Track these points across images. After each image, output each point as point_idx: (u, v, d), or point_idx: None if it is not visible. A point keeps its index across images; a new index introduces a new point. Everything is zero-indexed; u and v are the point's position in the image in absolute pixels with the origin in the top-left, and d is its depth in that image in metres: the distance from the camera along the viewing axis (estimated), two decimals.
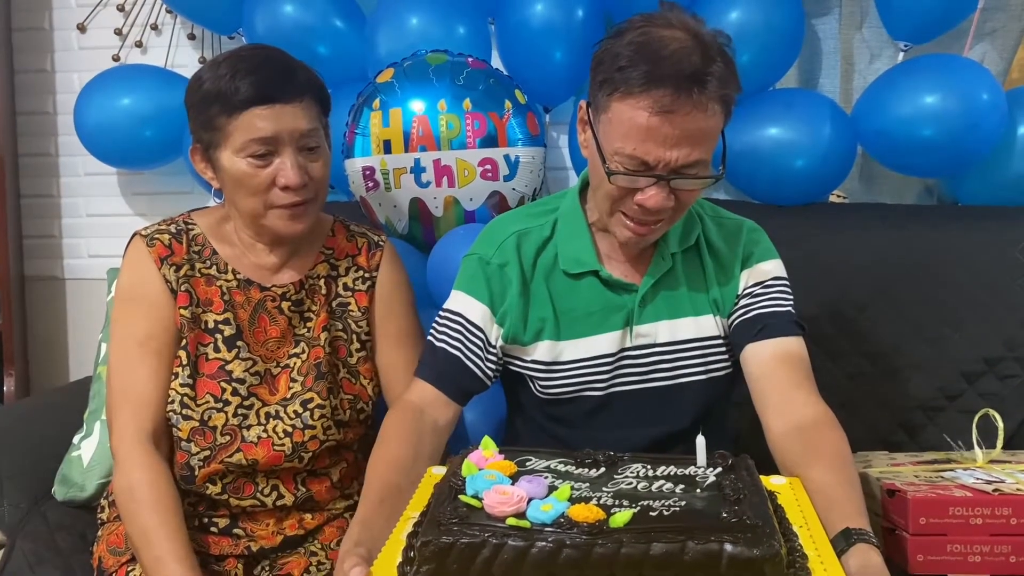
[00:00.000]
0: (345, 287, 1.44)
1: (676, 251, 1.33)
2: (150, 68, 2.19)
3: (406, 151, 1.80)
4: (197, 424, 1.33)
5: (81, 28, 2.33)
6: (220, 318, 1.36)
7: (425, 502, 1.00)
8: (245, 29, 2.08)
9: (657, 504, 0.91)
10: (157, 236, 1.37)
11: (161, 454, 1.32)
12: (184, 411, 1.33)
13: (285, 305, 1.39)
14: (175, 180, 2.29)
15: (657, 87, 1.11)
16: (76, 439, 1.72)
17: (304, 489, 1.39)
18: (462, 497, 0.92)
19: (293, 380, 1.38)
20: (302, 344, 1.40)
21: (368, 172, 1.83)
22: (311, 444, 1.36)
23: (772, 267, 1.36)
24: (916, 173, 2.03)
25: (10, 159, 2.34)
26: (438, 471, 1.11)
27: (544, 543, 0.85)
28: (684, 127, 1.13)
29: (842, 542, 1.00)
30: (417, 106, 1.79)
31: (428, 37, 1.91)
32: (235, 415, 1.35)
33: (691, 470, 1.01)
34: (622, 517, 0.87)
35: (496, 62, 2.02)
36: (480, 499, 0.91)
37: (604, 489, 0.96)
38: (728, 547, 0.83)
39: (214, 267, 1.38)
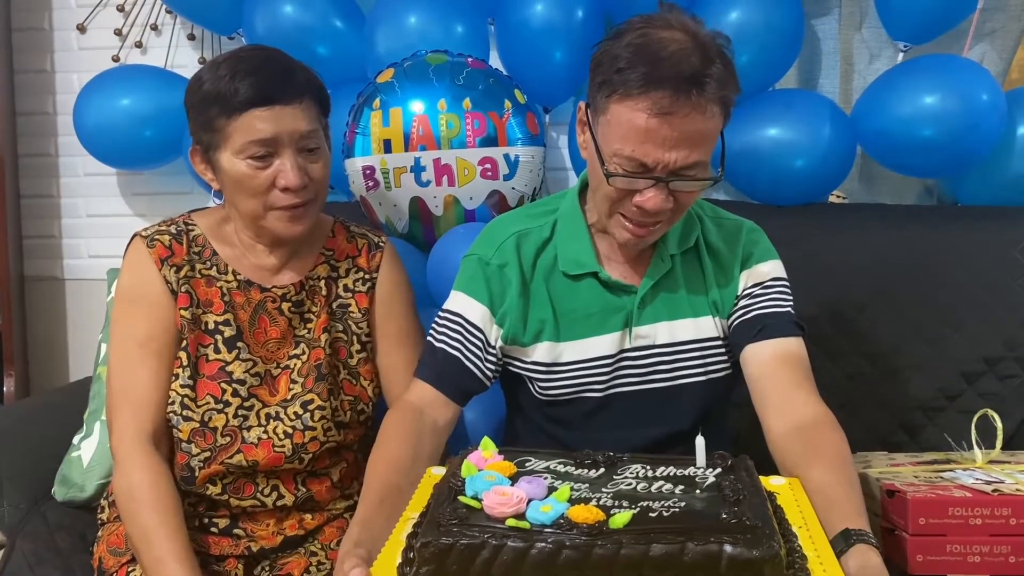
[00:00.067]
0: (345, 288, 1.44)
1: (675, 252, 1.33)
2: (149, 68, 2.19)
3: (406, 150, 1.80)
4: (197, 425, 1.33)
5: (81, 28, 2.33)
6: (220, 319, 1.37)
7: (425, 503, 1.00)
8: (245, 29, 2.08)
9: (657, 505, 0.92)
10: (157, 237, 1.37)
11: (161, 455, 1.32)
12: (184, 412, 1.33)
13: (285, 306, 1.40)
14: (175, 180, 2.29)
15: (656, 89, 1.11)
16: (76, 439, 1.72)
17: (304, 489, 1.39)
18: (462, 498, 0.92)
19: (293, 381, 1.38)
20: (302, 345, 1.40)
21: (368, 171, 1.84)
22: (311, 445, 1.36)
23: (771, 268, 1.36)
24: (916, 173, 2.03)
25: (10, 159, 2.34)
26: (438, 471, 1.11)
27: (544, 544, 0.85)
28: (683, 129, 1.13)
29: (841, 543, 1.00)
30: (417, 106, 1.79)
31: (427, 37, 1.91)
32: (235, 416, 1.35)
33: (690, 471, 1.02)
34: (622, 518, 0.87)
35: (495, 62, 2.02)
36: (480, 500, 0.91)
37: (604, 490, 0.96)
38: (727, 548, 0.84)
39: (214, 268, 1.38)
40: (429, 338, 1.36)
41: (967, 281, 1.84)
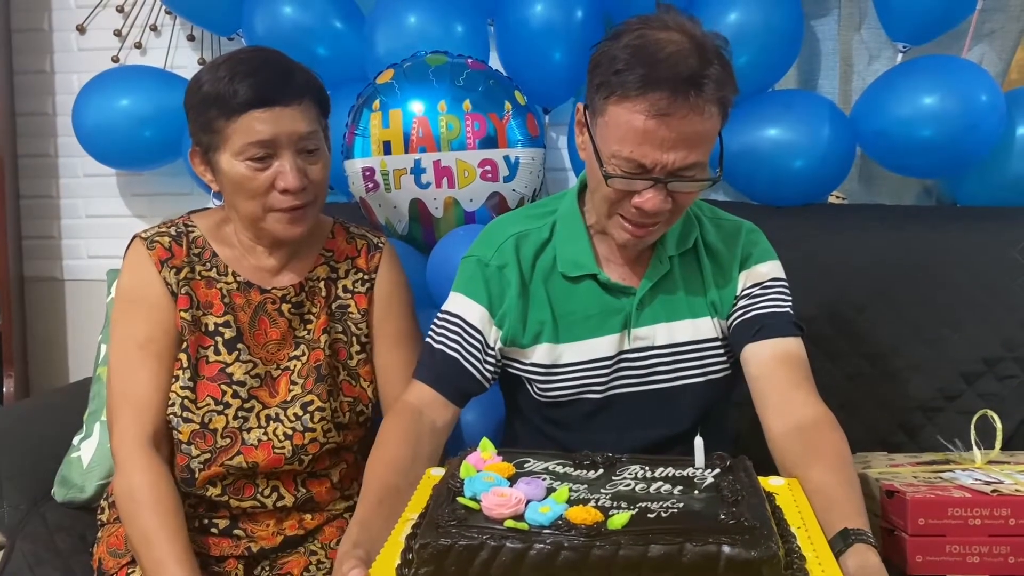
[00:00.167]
0: (345, 289, 1.44)
1: (674, 254, 1.33)
2: (148, 69, 2.19)
3: (406, 152, 1.80)
4: (197, 427, 1.33)
5: (80, 29, 2.33)
6: (220, 320, 1.37)
7: (424, 504, 1.00)
8: (244, 30, 2.08)
9: (655, 506, 0.92)
10: (157, 239, 1.37)
11: (162, 457, 1.32)
12: (184, 414, 1.33)
13: (285, 307, 1.40)
14: (175, 181, 2.29)
15: (654, 90, 1.11)
16: (76, 440, 1.72)
17: (304, 490, 1.39)
18: (460, 499, 0.92)
19: (293, 383, 1.38)
20: (302, 346, 1.40)
21: (368, 173, 1.84)
22: (311, 447, 1.37)
23: (770, 268, 1.36)
24: (915, 174, 2.03)
25: (9, 160, 2.34)
26: (437, 473, 1.11)
27: (542, 545, 0.85)
28: (681, 130, 1.13)
29: (840, 542, 1.01)
30: (417, 107, 1.79)
31: (427, 37, 1.91)
32: (235, 418, 1.35)
33: (689, 471, 1.02)
34: (620, 519, 0.87)
35: (495, 63, 2.02)
36: (478, 501, 0.91)
37: (602, 491, 0.96)
38: (726, 548, 0.84)
39: (214, 269, 1.38)
40: (428, 339, 1.36)
41: (966, 282, 1.84)
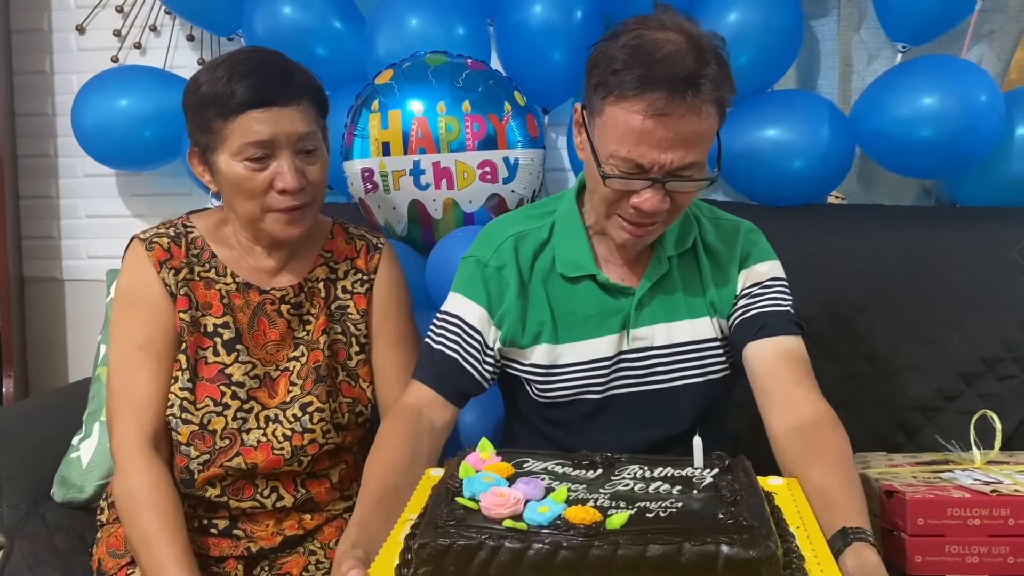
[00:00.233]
0: (344, 290, 1.44)
1: (673, 254, 1.33)
2: (147, 69, 2.19)
3: (405, 153, 1.80)
4: (197, 428, 1.33)
5: (80, 29, 2.34)
6: (219, 321, 1.36)
7: (423, 504, 1.00)
8: (244, 30, 2.08)
9: (654, 505, 0.92)
10: (156, 240, 1.37)
11: (161, 458, 1.32)
12: (184, 415, 1.33)
13: (284, 308, 1.39)
14: (174, 181, 2.30)
15: (651, 90, 1.11)
16: (75, 440, 1.72)
17: (304, 491, 1.39)
18: (459, 499, 0.92)
19: (292, 384, 1.38)
20: (301, 347, 1.40)
21: (367, 174, 1.83)
22: (310, 448, 1.36)
23: (770, 268, 1.36)
24: (914, 174, 2.03)
25: (9, 160, 2.34)
26: (436, 473, 1.11)
27: (541, 545, 0.85)
28: (678, 130, 1.13)
29: (839, 541, 1.01)
30: (416, 108, 1.79)
31: (427, 38, 1.91)
32: (234, 419, 1.35)
33: (688, 471, 1.02)
34: (619, 519, 0.87)
35: (495, 63, 2.01)
36: (477, 501, 0.91)
37: (601, 491, 0.96)
38: (724, 548, 0.84)
39: (213, 270, 1.38)
40: (427, 340, 1.36)
41: (966, 282, 1.84)
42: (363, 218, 1.91)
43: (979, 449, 1.42)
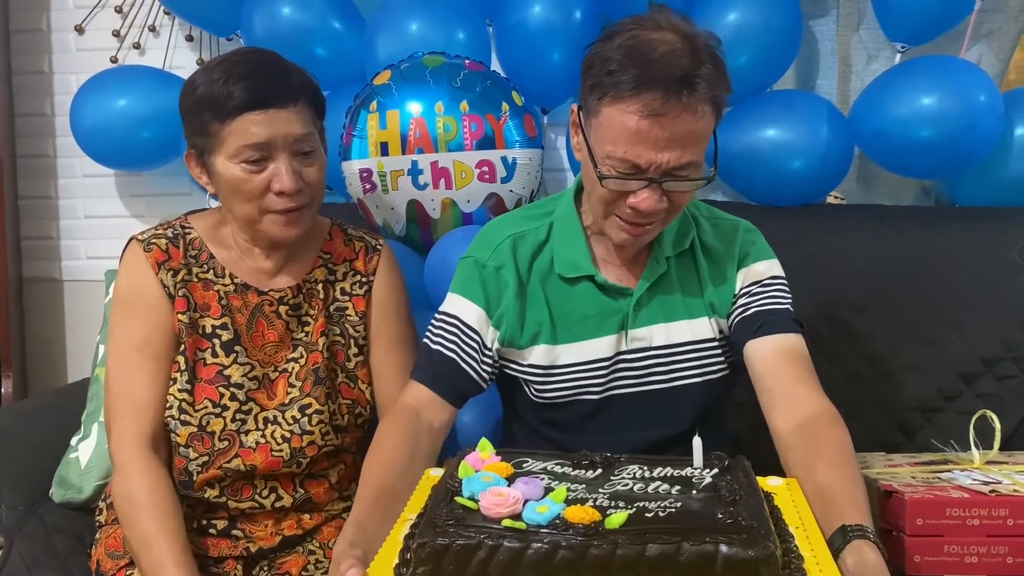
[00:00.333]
0: (343, 291, 1.44)
1: (671, 255, 1.33)
2: (147, 69, 2.19)
3: (403, 153, 1.80)
4: (195, 430, 1.33)
5: (79, 30, 2.33)
6: (218, 323, 1.36)
7: (422, 504, 1.00)
8: (243, 31, 2.08)
9: (653, 505, 0.91)
10: (154, 241, 1.37)
11: (160, 459, 1.32)
12: (182, 416, 1.33)
13: (283, 309, 1.39)
14: (173, 181, 2.30)
15: (647, 90, 1.11)
16: (74, 441, 1.72)
17: (303, 491, 1.39)
18: (458, 499, 0.92)
19: (291, 385, 1.38)
20: (300, 349, 1.40)
21: (365, 174, 1.83)
22: (309, 449, 1.36)
23: (768, 266, 1.36)
24: (913, 174, 2.03)
25: (8, 161, 2.34)
26: (436, 473, 1.11)
27: (540, 544, 0.85)
28: (674, 130, 1.13)
29: (839, 539, 1.00)
30: (414, 108, 1.79)
31: (427, 39, 1.91)
32: (233, 420, 1.35)
33: (687, 471, 1.02)
34: (618, 518, 0.87)
35: (495, 64, 2.01)
36: (476, 501, 0.91)
37: (600, 490, 0.96)
38: (723, 548, 0.83)
39: (211, 271, 1.38)
40: (425, 340, 1.36)
41: (965, 282, 1.84)
42: (361, 218, 1.91)
43: (978, 449, 1.42)
